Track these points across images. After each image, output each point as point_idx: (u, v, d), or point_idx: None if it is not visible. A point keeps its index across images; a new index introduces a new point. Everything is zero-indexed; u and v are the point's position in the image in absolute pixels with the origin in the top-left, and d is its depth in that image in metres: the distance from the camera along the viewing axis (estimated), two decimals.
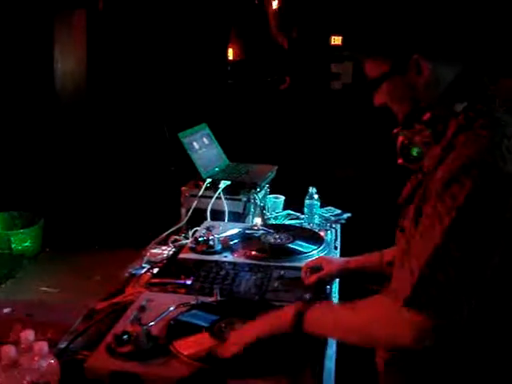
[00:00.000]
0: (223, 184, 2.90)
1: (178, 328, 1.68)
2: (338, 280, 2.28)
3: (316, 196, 3.02)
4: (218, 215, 2.84)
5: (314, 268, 2.12)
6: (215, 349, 1.57)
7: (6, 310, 2.07)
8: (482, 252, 1.33)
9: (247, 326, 1.64)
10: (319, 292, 2.03)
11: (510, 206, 1.32)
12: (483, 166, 1.33)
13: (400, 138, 1.59)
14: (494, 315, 1.45)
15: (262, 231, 2.61)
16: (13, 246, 3.65)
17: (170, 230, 2.73)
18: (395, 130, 1.63)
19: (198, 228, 2.65)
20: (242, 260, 2.31)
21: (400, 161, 1.61)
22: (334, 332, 1.56)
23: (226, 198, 2.86)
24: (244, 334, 1.60)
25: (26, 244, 3.71)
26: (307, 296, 1.96)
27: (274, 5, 6.09)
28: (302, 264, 2.21)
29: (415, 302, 1.33)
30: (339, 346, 1.92)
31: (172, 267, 2.25)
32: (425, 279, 1.33)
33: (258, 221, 2.74)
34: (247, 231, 2.61)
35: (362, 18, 1.63)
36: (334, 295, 2.13)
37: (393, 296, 1.39)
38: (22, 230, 3.82)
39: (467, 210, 1.32)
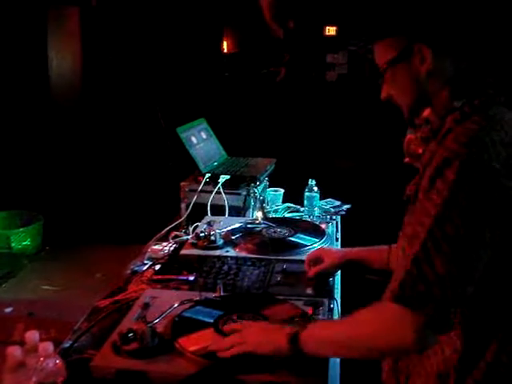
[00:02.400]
0: (222, 178, 2.89)
1: (183, 325, 1.68)
2: (339, 272, 2.28)
3: (315, 188, 3.02)
4: (217, 210, 2.84)
5: (315, 260, 2.13)
6: (213, 347, 1.56)
7: (7, 310, 2.07)
8: (469, 245, 1.31)
9: (248, 334, 1.58)
10: (322, 285, 2.03)
11: (494, 199, 1.32)
12: (466, 157, 1.33)
13: (407, 137, 1.64)
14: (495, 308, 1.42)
15: (263, 225, 2.61)
16: (13, 244, 3.65)
17: (171, 226, 2.73)
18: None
19: (198, 223, 2.65)
20: (243, 254, 2.30)
21: (407, 159, 1.66)
22: (335, 351, 1.52)
23: (225, 193, 2.86)
24: (246, 344, 1.54)
25: (26, 242, 3.71)
26: (309, 290, 1.96)
27: None
28: (304, 257, 2.20)
29: (402, 297, 1.32)
30: None
31: (174, 263, 2.25)
32: (411, 274, 1.32)
33: (258, 215, 2.74)
34: (248, 225, 2.60)
35: (371, 3, 1.64)
36: (336, 287, 2.13)
37: (389, 298, 1.35)
38: (21, 229, 3.82)
39: (451, 203, 1.31)
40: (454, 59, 1.53)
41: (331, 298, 1.96)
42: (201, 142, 3.17)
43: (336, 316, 2.01)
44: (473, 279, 1.32)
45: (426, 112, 1.57)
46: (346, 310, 2.12)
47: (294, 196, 3.18)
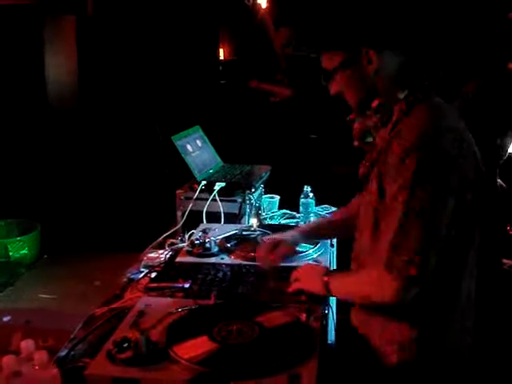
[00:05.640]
0: (218, 186, 2.91)
1: (177, 332, 1.69)
2: None
3: (311, 194, 3.03)
4: (213, 217, 2.86)
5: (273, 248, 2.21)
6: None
7: (5, 319, 2.07)
8: (436, 215, 1.61)
9: (302, 274, 2.02)
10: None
11: (451, 177, 1.62)
12: (422, 146, 1.61)
13: (356, 125, 1.90)
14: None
15: (258, 232, 2.62)
16: (10, 253, 3.64)
17: (167, 234, 2.74)
18: (350, 117, 1.93)
19: (194, 231, 2.66)
20: (238, 262, 2.32)
21: (356, 143, 1.92)
22: (347, 297, 1.94)
23: (221, 200, 2.87)
24: (301, 282, 2.00)
25: (24, 251, 3.70)
26: (303, 297, 1.97)
27: (264, 4, 6.08)
28: (299, 264, 2.22)
29: (392, 265, 1.63)
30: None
31: (169, 271, 2.26)
32: (395, 246, 1.63)
33: (253, 221, 2.75)
34: (243, 232, 2.62)
35: (316, 18, 1.81)
36: None
37: (377, 264, 1.69)
38: (19, 238, 3.81)
39: (415, 185, 1.60)
40: (394, 57, 1.77)
41: (325, 304, 1.97)
42: (196, 149, 3.19)
43: (331, 322, 2.04)
44: (441, 244, 1.64)
45: (374, 103, 1.79)
46: (342, 315, 2.14)
47: (290, 203, 3.19)
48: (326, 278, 1.89)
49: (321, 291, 1.90)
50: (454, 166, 1.63)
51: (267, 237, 2.44)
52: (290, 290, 2.00)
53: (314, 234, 2.39)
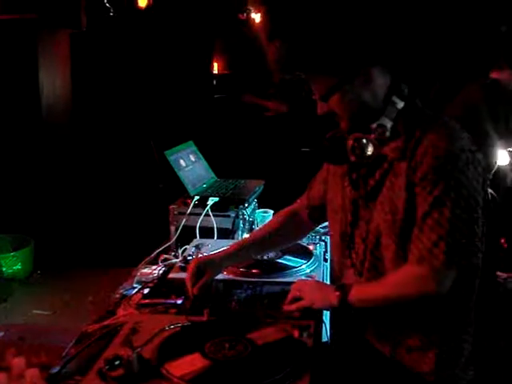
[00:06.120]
0: (211, 201, 2.91)
1: (169, 350, 1.68)
2: None
3: None
4: (207, 232, 2.85)
5: (198, 273, 2.15)
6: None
7: None
8: (476, 210, 1.75)
9: (305, 291, 1.99)
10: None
11: (475, 180, 1.75)
12: (452, 162, 1.71)
13: (350, 141, 1.84)
14: None
15: None
16: (3, 269, 3.64)
17: (160, 249, 2.73)
18: (329, 134, 1.96)
19: (187, 246, 2.65)
20: (231, 277, 2.31)
21: (353, 158, 1.86)
22: (375, 303, 1.86)
23: (214, 215, 2.87)
24: (305, 300, 1.96)
25: (17, 267, 3.69)
26: (296, 313, 1.97)
27: (257, 18, 6.11)
28: (291, 279, 2.22)
29: (452, 261, 1.71)
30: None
31: (162, 287, 2.25)
32: (450, 244, 1.71)
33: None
34: None
35: (317, 40, 1.79)
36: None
37: (420, 263, 1.74)
38: (12, 253, 3.81)
39: (456, 189, 1.71)
40: (386, 73, 1.83)
41: (319, 320, 1.97)
42: (189, 164, 3.20)
43: (325, 338, 2.03)
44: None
45: (380, 117, 1.81)
46: (336, 332, 2.14)
47: None
48: (341, 290, 1.88)
49: (333, 305, 1.88)
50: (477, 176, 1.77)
51: (199, 255, 2.42)
52: (294, 308, 1.97)
53: (242, 254, 2.30)
